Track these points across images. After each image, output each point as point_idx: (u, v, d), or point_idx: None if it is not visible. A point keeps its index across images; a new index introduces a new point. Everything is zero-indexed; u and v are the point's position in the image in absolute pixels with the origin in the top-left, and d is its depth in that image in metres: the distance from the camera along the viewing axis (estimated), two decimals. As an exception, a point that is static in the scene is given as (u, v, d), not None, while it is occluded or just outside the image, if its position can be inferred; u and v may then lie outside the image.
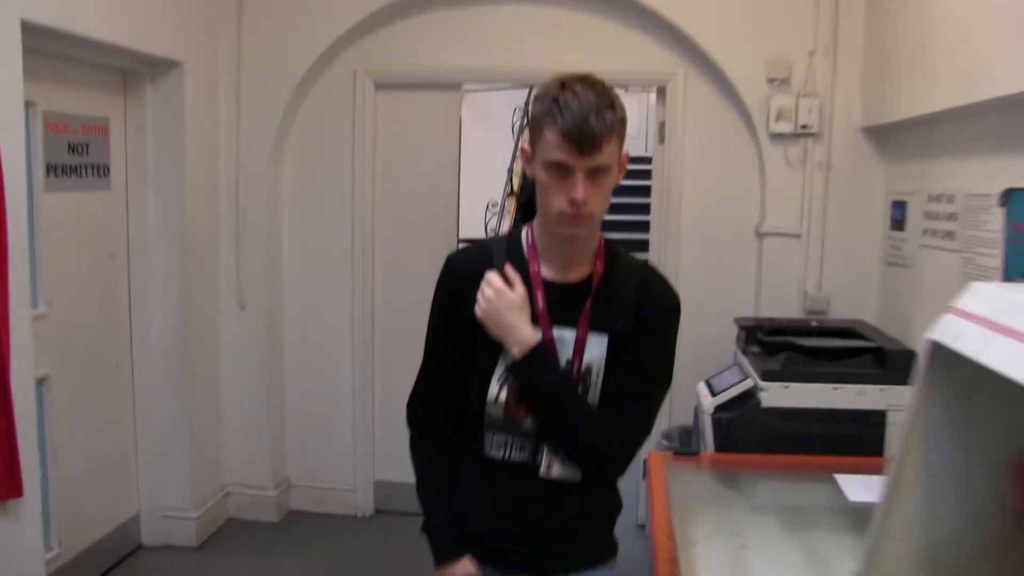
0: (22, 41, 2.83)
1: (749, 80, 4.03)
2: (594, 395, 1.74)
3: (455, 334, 1.79)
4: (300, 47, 4.30)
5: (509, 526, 1.80)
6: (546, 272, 1.76)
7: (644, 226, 4.49)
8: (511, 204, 7.09)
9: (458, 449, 1.84)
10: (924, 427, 1.06)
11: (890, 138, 3.92)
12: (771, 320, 3.55)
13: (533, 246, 1.78)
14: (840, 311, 3.94)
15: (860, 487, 2.39)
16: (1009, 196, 2.68)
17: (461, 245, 1.94)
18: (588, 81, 1.61)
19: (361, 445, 4.56)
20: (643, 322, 1.74)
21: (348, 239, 4.50)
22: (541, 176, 1.63)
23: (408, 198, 4.49)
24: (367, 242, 4.50)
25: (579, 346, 1.73)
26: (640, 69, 4.26)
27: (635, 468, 1.95)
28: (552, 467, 1.74)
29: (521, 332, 1.69)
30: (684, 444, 3.36)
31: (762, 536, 2.24)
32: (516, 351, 1.69)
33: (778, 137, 4.03)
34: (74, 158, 3.57)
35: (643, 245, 4.37)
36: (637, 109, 7.19)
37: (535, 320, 1.73)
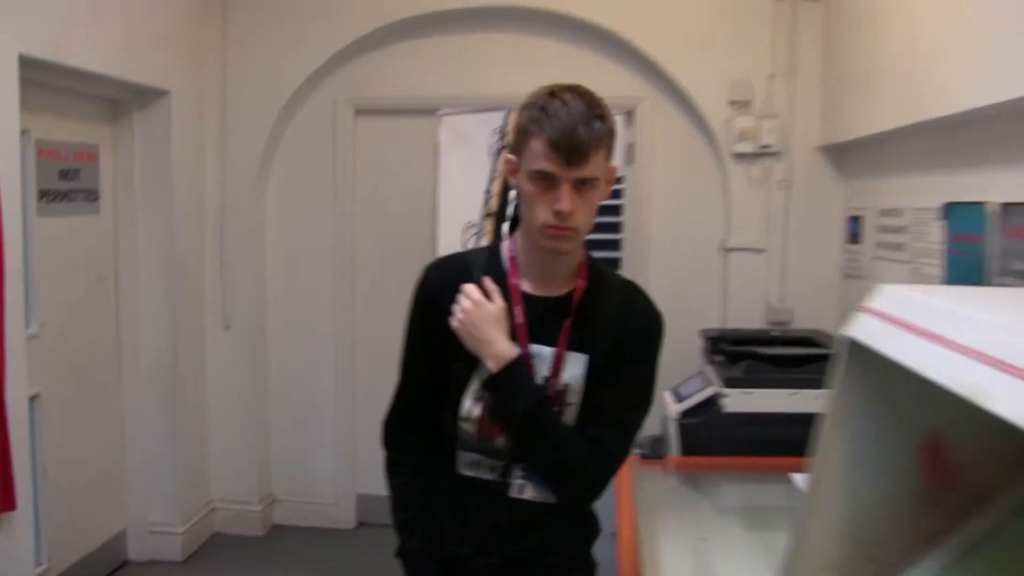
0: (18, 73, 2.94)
1: (713, 103, 4.18)
2: (571, 415, 1.66)
3: (430, 348, 1.71)
4: (282, 76, 4.40)
5: (480, 551, 1.70)
6: (526, 286, 1.69)
7: (616, 244, 4.63)
8: (488, 224, 7.20)
9: (433, 468, 1.76)
10: (843, 415, 1.16)
11: (846, 157, 4.08)
12: (735, 331, 3.68)
13: (514, 259, 1.71)
14: (802, 321, 4.08)
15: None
16: (948, 210, 2.84)
17: (440, 256, 1.86)
18: (578, 91, 1.55)
19: (343, 460, 4.63)
20: (624, 343, 1.67)
21: (330, 260, 4.59)
22: (525, 187, 1.57)
23: (388, 220, 4.58)
24: (348, 263, 4.59)
25: (557, 364, 1.66)
26: (610, 93, 4.25)
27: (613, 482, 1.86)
28: (524, 488, 1.67)
29: (498, 346, 1.61)
30: (655, 452, 3.49)
31: (723, 532, 2.34)
32: (492, 365, 1.61)
33: (741, 157, 4.18)
34: (65, 184, 3.67)
35: (615, 263, 4.49)
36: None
37: (513, 335, 1.65)
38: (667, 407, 3.27)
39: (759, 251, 4.22)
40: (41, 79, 3.26)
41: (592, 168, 1.52)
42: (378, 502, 1.79)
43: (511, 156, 1.63)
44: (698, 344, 3.69)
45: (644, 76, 4.30)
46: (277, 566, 4.26)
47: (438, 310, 1.67)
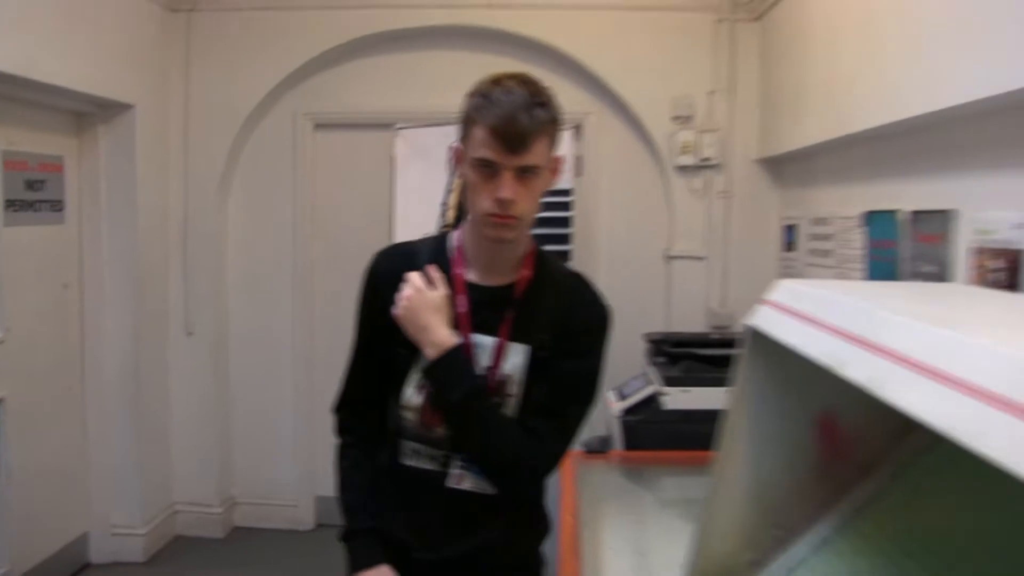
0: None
1: (656, 118, 4.35)
2: (512, 406, 1.63)
3: (376, 334, 1.70)
4: (244, 90, 4.49)
5: (423, 543, 1.68)
6: (471, 276, 1.67)
7: (566, 254, 4.77)
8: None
9: (379, 456, 1.74)
10: (747, 395, 1.26)
11: (781, 169, 4.27)
12: (676, 334, 3.84)
13: (460, 248, 1.69)
14: (742, 325, 4.25)
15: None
16: (868, 218, 3.05)
17: (389, 244, 1.84)
18: (522, 79, 1.54)
19: (302, 463, 4.70)
20: (568, 335, 1.64)
21: (290, 270, 4.68)
22: (469, 175, 1.55)
23: (346, 231, 4.66)
24: (307, 273, 4.69)
25: (498, 354, 1.63)
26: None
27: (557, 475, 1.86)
28: (463, 479, 1.64)
29: (437, 333, 1.59)
30: (601, 448, 3.62)
31: (660, 517, 2.47)
32: (431, 352, 1.59)
33: (683, 169, 4.34)
34: (31, 194, 3.74)
35: None
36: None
37: (455, 324, 1.63)
38: (611, 405, 3.40)
39: (700, 259, 4.39)
40: (8, 92, 3.35)
41: (534, 156, 1.50)
42: (337, 504, 1.74)
43: (457, 145, 1.61)
44: (642, 347, 3.82)
45: (591, 92, 4.45)
46: (238, 567, 4.32)
47: (383, 297, 1.66)
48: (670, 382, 3.26)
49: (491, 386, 1.62)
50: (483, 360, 1.63)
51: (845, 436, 1.26)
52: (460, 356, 1.60)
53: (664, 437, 3.11)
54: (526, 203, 1.54)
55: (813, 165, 3.77)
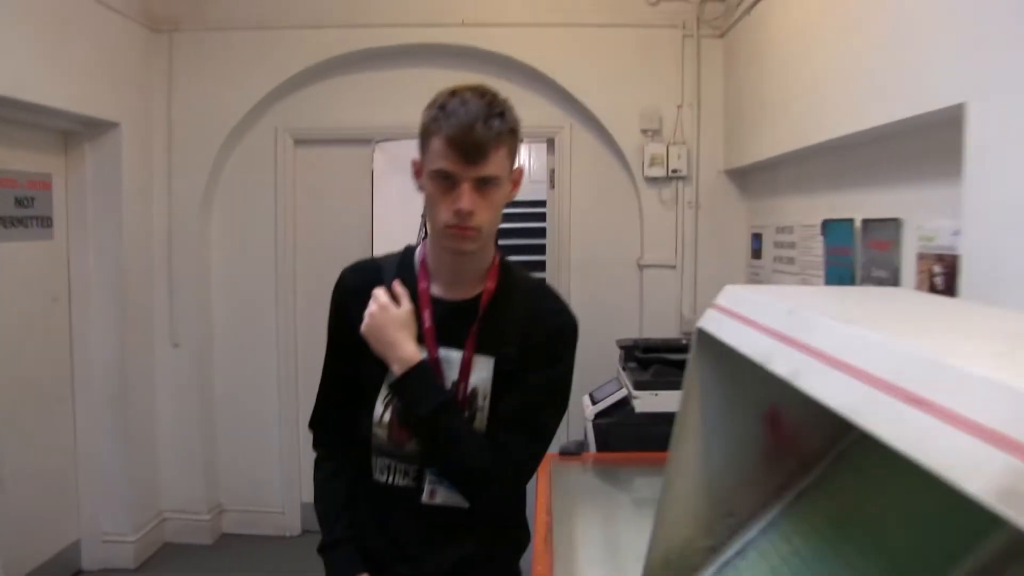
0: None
1: (625, 131, 4.49)
2: (481, 419, 1.61)
3: (345, 350, 1.69)
4: (226, 108, 4.59)
5: (400, 558, 1.67)
6: (435, 290, 1.65)
7: (541, 265, 4.90)
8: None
9: (354, 471, 1.71)
10: (697, 391, 1.30)
11: (747, 179, 4.40)
12: (647, 340, 3.95)
13: (424, 263, 1.68)
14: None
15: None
16: (826, 226, 3.17)
17: (356, 260, 1.82)
18: (479, 90, 1.52)
19: (287, 470, 4.78)
20: (533, 345, 1.61)
21: (272, 281, 4.77)
22: (428, 187, 1.53)
23: (326, 243, 4.75)
24: (289, 284, 4.77)
25: (465, 368, 1.61)
26: (532, 123, 4.60)
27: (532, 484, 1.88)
28: (435, 494, 1.62)
29: (403, 349, 1.58)
30: (576, 451, 3.72)
31: (631, 514, 2.52)
32: (396, 369, 1.58)
33: (652, 180, 4.48)
34: (21, 210, 3.83)
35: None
36: (535, 157, 7.60)
37: (421, 339, 1.61)
38: (584, 409, 3.52)
39: (671, 267, 4.52)
40: None
41: (492, 167, 1.49)
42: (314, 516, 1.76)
43: (416, 158, 1.59)
44: (616, 352, 3.94)
45: (563, 107, 4.58)
46: (227, 572, 4.40)
47: (351, 314, 1.66)
48: (640, 386, 3.36)
49: (461, 400, 1.61)
50: (451, 374, 1.61)
51: (789, 429, 1.32)
52: (426, 371, 1.59)
53: (635, 439, 3.20)
54: (485, 214, 1.52)
55: (777, 176, 3.90)
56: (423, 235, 7.67)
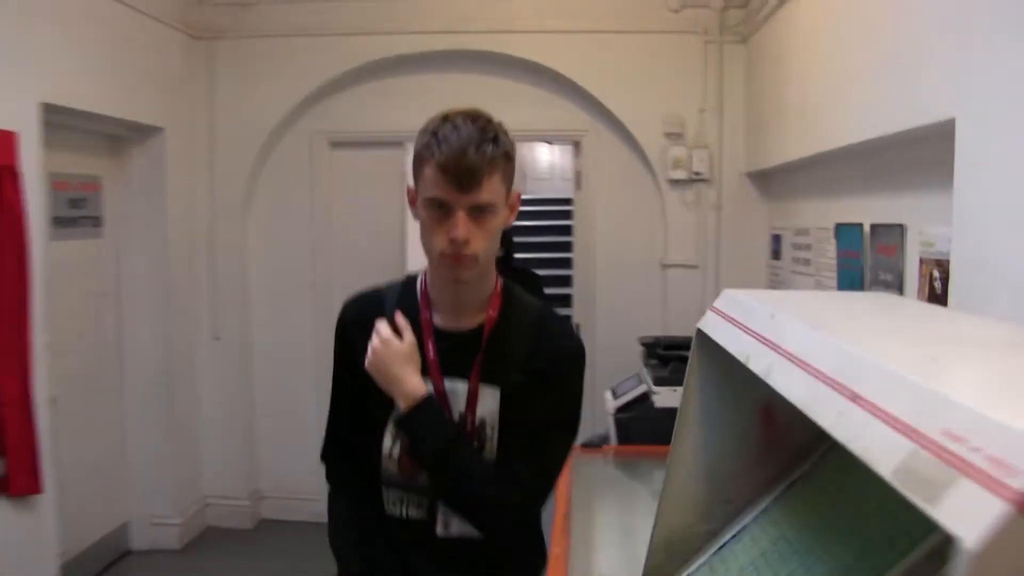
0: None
1: (649, 135, 4.59)
2: (491, 449, 1.56)
3: (350, 384, 1.65)
4: (264, 112, 4.76)
5: None
6: (438, 320, 1.60)
7: (568, 262, 5.02)
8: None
9: (367, 503, 1.66)
10: (697, 388, 1.37)
11: (768, 182, 4.49)
12: (668, 337, 4.05)
13: (425, 292, 1.63)
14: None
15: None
16: (838, 230, 3.27)
17: (359, 291, 1.77)
18: (471, 115, 1.46)
19: None
20: (537, 373, 1.55)
21: (308, 278, 4.93)
22: (422, 216, 1.48)
23: (361, 241, 4.90)
24: (325, 280, 4.91)
25: (472, 399, 1.56)
26: (560, 126, 4.82)
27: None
28: (450, 525, 1.58)
29: (407, 385, 1.52)
30: (598, 443, 3.82)
31: (647, 503, 2.59)
32: (402, 404, 1.52)
33: (675, 183, 4.58)
34: (73, 211, 4.03)
35: (566, 280, 4.86)
36: (560, 155, 7.56)
37: (426, 371, 1.56)
38: (606, 403, 3.64)
39: (694, 267, 4.62)
40: (55, 121, 3.61)
41: (487, 194, 1.44)
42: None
43: (411, 185, 1.54)
44: (638, 349, 4.04)
45: (588, 111, 4.70)
46: (264, 556, 4.58)
47: (354, 347, 1.61)
48: (660, 382, 3.48)
49: (469, 432, 1.57)
50: (458, 406, 1.57)
51: (782, 424, 1.37)
52: (433, 406, 1.54)
53: (654, 432, 3.16)
54: (481, 242, 1.47)
55: (796, 179, 3.98)
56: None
